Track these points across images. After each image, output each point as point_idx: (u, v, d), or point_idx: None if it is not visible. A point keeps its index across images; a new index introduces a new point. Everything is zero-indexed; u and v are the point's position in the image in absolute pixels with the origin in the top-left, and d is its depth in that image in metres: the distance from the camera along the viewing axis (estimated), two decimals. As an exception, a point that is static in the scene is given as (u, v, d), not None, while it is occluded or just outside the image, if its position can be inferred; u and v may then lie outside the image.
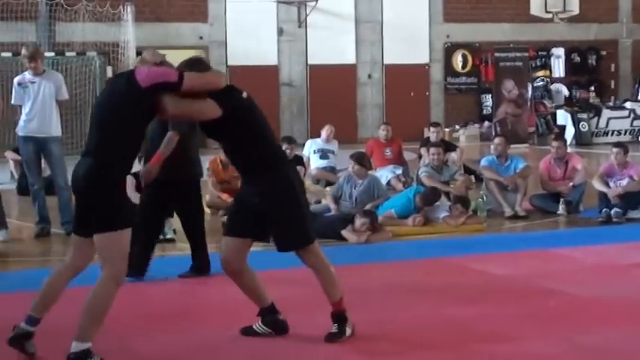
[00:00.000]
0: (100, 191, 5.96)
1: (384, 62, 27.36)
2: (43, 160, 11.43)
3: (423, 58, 27.85)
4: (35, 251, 10.50)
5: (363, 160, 12.30)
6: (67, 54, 22.88)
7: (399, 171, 15.81)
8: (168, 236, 10.98)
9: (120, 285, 6.05)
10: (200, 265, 8.99)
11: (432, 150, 13.60)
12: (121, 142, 6.01)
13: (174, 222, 11.31)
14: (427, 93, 28.02)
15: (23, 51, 11.55)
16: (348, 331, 6.61)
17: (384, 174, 15.30)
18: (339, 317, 6.63)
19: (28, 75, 11.33)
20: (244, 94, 6.45)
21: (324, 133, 16.58)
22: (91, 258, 6.22)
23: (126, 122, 6.00)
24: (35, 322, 6.13)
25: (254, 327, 6.73)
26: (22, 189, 14.04)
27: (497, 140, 13.51)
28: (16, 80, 11.52)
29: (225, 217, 12.24)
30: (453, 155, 15.80)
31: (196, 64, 6.43)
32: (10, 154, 16.43)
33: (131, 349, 6.57)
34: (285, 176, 6.45)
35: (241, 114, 6.30)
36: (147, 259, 8.78)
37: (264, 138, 6.44)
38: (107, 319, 6.88)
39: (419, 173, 13.45)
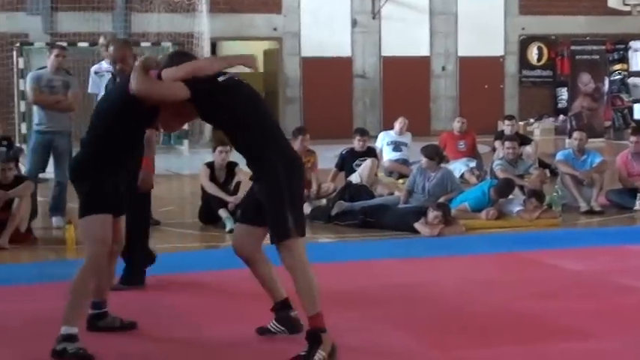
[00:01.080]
0: (78, 182, 6.14)
1: (458, 54, 27.19)
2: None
3: (497, 50, 27.63)
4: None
5: (431, 154, 12.21)
6: (142, 44, 23.05)
7: (473, 164, 15.74)
8: (228, 228, 11.00)
9: (93, 270, 6.08)
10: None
11: (507, 143, 13.46)
12: (106, 142, 6.07)
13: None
14: (501, 86, 27.80)
15: (101, 40, 11.73)
16: (321, 355, 5.76)
17: (458, 167, 15.24)
18: (313, 337, 5.82)
19: (104, 64, 11.47)
20: (222, 78, 5.99)
21: (397, 125, 16.54)
22: (116, 237, 6.31)
23: (114, 126, 6.04)
24: (100, 305, 6.45)
25: (269, 326, 6.40)
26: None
27: (577, 135, 13.26)
28: (93, 69, 11.70)
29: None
30: (528, 149, 15.66)
31: (178, 56, 6.32)
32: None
33: (204, 338, 6.60)
34: (271, 165, 5.91)
35: (211, 96, 5.93)
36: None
37: (246, 124, 5.99)
38: (180, 309, 6.94)
39: (493, 167, 13.34)
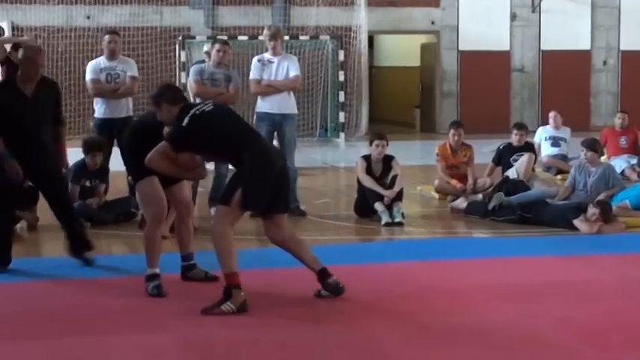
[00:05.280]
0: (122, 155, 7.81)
1: (620, 48, 26.57)
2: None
3: (662, 44, 26.88)
4: (251, 230, 10.71)
5: (595, 146, 11.99)
6: (301, 38, 23.32)
7: (634, 161, 15.37)
8: (397, 220, 11.03)
9: (156, 223, 7.55)
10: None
11: (668, 140, 13.14)
12: None
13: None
14: (665, 81, 27.04)
15: (265, 30, 12.04)
16: (229, 307, 6.86)
17: (618, 163, 14.93)
18: (226, 292, 6.94)
19: (267, 55, 11.77)
20: (193, 112, 7.15)
21: (550, 120, 16.40)
22: (180, 201, 7.87)
23: None
24: (186, 258, 7.95)
25: (320, 292, 7.35)
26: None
27: None
28: (255, 57, 12.01)
29: (454, 202, 12.26)
30: (692, 146, 15.25)
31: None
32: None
33: (354, 329, 6.65)
34: (248, 158, 7.04)
35: (195, 138, 7.16)
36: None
37: (218, 146, 7.22)
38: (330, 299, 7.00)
39: (655, 164, 13.04)
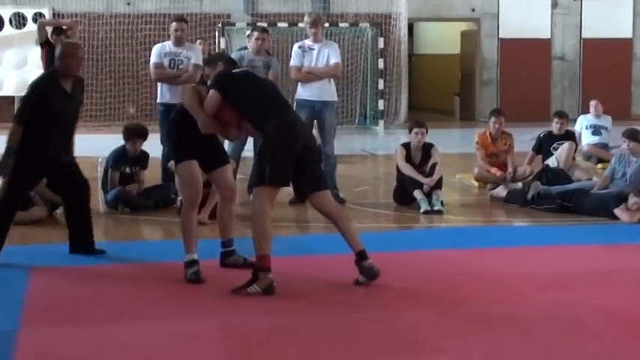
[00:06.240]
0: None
1: (663, 36, 26.34)
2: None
3: None
4: (291, 217, 10.71)
5: (637, 137, 11.88)
6: (341, 25, 23.26)
7: (676, 150, 15.24)
8: (436, 208, 11.00)
9: (190, 207, 7.61)
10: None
11: None
12: None
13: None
14: None
15: (306, 17, 12.04)
16: (255, 289, 6.99)
17: (660, 152, 14.79)
18: (254, 273, 7.06)
19: (307, 42, 11.78)
20: (245, 69, 8.09)
21: (591, 108, 16.29)
22: (224, 185, 7.85)
23: None
24: (226, 245, 7.92)
25: (358, 278, 7.32)
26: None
27: None
28: (296, 44, 12.00)
29: (493, 190, 12.21)
30: None
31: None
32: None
33: (393, 317, 6.64)
34: (267, 130, 7.21)
35: (228, 91, 7.44)
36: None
37: (249, 106, 7.38)
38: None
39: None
